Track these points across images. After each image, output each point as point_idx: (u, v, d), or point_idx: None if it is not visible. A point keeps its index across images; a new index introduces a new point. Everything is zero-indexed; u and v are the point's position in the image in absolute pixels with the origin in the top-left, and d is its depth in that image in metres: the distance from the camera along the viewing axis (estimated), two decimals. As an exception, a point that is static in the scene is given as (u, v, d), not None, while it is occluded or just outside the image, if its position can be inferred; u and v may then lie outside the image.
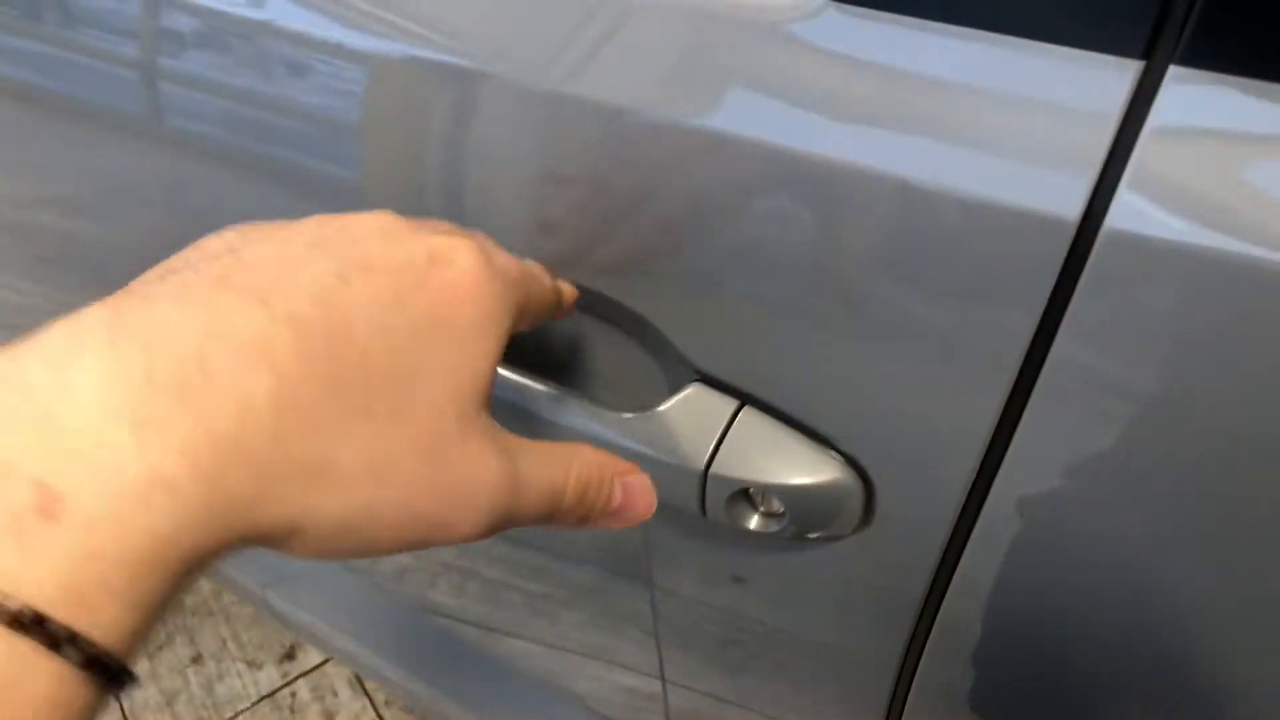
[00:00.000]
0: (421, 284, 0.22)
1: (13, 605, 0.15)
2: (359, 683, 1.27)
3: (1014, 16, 0.26)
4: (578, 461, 0.26)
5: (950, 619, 0.34)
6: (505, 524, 0.24)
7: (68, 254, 0.60)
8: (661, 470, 0.34)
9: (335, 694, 1.26)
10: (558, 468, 0.26)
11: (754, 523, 0.35)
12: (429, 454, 0.22)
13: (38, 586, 0.16)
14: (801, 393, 0.32)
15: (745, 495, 0.34)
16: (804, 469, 0.32)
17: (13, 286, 0.70)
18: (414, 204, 0.37)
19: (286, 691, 1.26)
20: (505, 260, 0.26)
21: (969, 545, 0.32)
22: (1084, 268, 0.26)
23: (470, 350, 0.23)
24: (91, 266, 0.58)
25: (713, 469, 0.33)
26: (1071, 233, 0.25)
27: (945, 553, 0.33)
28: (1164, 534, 0.28)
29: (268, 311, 0.20)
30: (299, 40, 0.37)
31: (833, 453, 0.32)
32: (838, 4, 0.28)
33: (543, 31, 0.32)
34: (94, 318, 0.19)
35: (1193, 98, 0.24)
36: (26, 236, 0.62)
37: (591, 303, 0.35)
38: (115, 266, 0.55)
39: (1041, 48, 0.26)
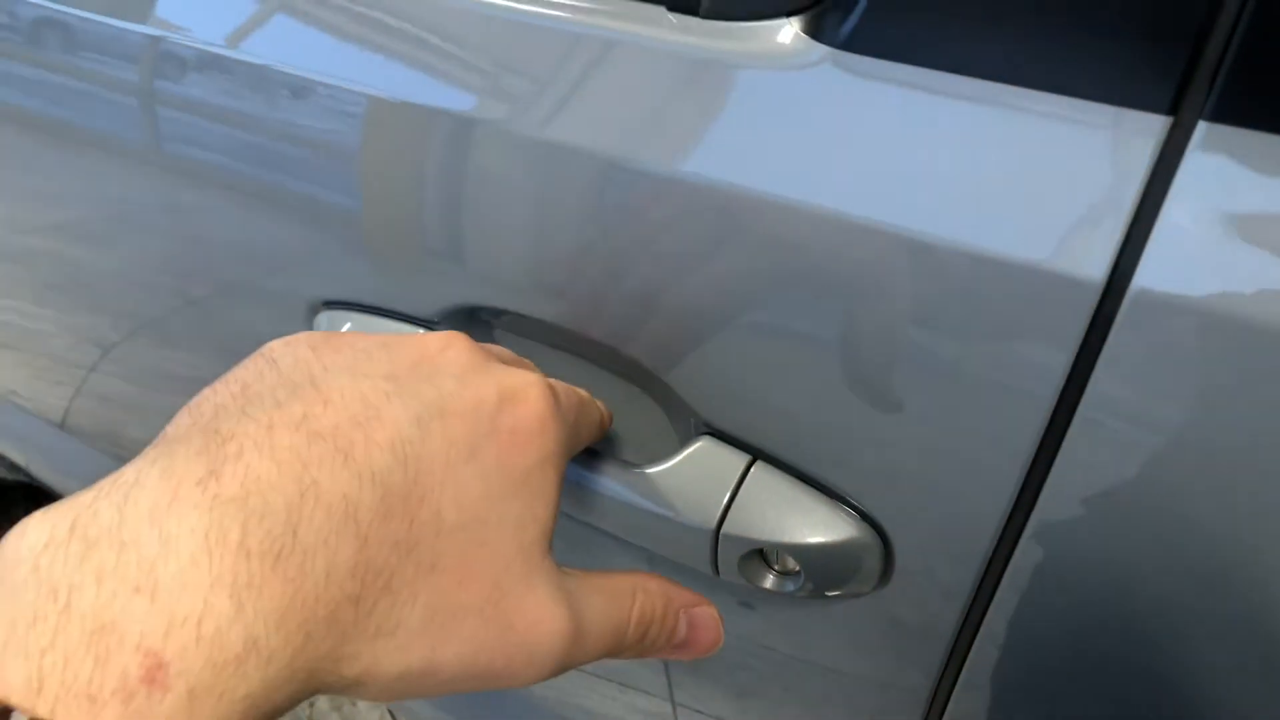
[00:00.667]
0: (493, 430, 0.23)
1: None
2: (376, 691, 1.27)
3: (1033, 69, 0.25)
4: (641, 596, 0.26)
5: (982, 659, 0.33)
6: (565, 670, 0.24)
7: (74, 280, 0.60)
8: (671, 529, 0.33)
9: (354, 703, 1.27)
10: (620, 605, 0.26)
11: (769, 582, 0.34)
12: (492, 609, 0.22)
13: None
14: (814, 447, 0.31)
15: (759, 554, 0.33)
16: (818, 527, 0.31)
17: (21, 311, 0.70)
18: (416, 238, 0.36)
19: (304, 702, 1.27)
20: (565, 394, 0.27)
21: (996, 596, 0.31)
22: (1111, 326, 0.25)
23: (534, 497, 0.24)
24: (98, 292, 0.58)
25: (724, 528, 0.32)
26: (1097, 294, 0.25)
27: (971, 605, 0.32)
28: (1193, 580, 0.27)
29: (352, 470, 0.20)
30: (300, 73, 0.36)
31: (848, 509, 0.31)
32: (843, 53, 0.27)
33: (533, 80, 0.32)
34: (189, 469, 0.19)
35: (1222, 155, 0.23)
36: (34, 263, 0.62)
37: (597, 354, 0.34)
38: (122, 293, 0.55)
39: (1064, 102, 0.24)
